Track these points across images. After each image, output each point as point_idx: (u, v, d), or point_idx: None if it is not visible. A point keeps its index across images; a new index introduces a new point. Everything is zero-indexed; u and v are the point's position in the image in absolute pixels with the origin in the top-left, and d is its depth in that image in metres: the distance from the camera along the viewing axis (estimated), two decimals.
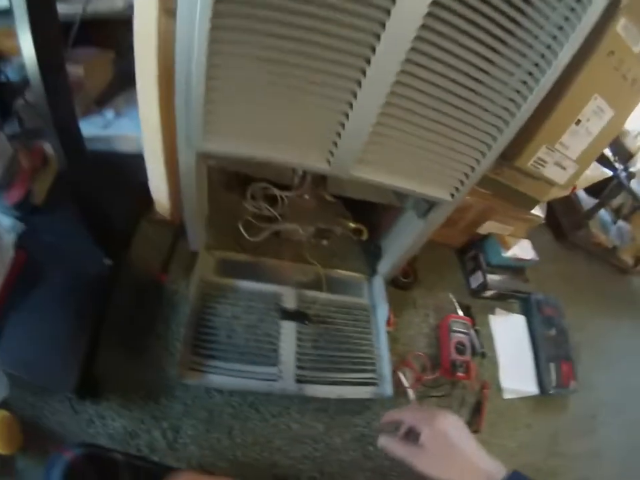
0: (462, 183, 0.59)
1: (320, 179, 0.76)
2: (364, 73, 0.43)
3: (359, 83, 0.44)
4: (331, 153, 0.51)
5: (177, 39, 0.41)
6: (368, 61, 0.42)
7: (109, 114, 0.83)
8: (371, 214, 0.94)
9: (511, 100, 0.48)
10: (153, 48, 0.50)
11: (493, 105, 0.49)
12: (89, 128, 0.79)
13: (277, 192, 0.74)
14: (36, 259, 0.65)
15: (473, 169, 0.57)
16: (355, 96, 0.45)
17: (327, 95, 0.45)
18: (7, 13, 0.59)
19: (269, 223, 0.83)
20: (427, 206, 0.69)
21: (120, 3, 0.70)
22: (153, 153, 0.66)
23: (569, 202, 1.31)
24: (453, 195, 0.61)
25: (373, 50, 0.41)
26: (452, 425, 0.49)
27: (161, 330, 0.70)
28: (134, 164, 0.72)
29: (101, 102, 0.85)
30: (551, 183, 0.89)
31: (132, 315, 0.70)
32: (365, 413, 0.73)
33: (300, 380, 0.69)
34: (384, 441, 0.53)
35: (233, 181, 0.83)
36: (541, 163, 0.81)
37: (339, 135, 0.49)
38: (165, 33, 0.49)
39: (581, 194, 1.34)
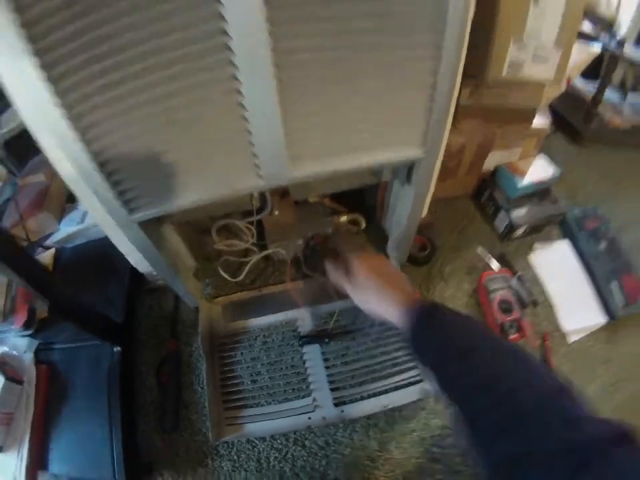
0: (426, 127, 0.48)
1: (283, 190, 0.69)
2: (240, 93, 0.39)
3: (242, 106, 0.39)
4: (257, 167, 0.44)
5: None
6: (239, 92, 0.38)
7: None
8: (363, 199, 0.86)
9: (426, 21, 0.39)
10: None
11: (407, 38, 0.39)
12: (67, 226, 0.82)
13: (239, 224, 0.69)
14: (57, 368, 0.69)
15: (430, 109, 0.46)
16: (246, 119, 0.40)
17: (217, 125, 0.41)
18: None
19: (249, 256, 0.78)
20: (406, 169, 0.61)
21: None
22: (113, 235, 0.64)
23: (571, 97, 1.16)
24: (424, 145, 0.51)
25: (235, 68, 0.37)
26: (375, 259, 0.55)
27: (188, 396, 0.69)
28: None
29: (72, 196, 0.87)
30: (539, 83, 0.75)
31: (158, 390, 0.70)
32: (419, 415, 0.65)
33: (339, 403, 0.64)
34: (329, 267, 0.59)
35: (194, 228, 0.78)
36: (517, 63, 0.68)
37: (253, 153, 0.43)
38: None
39: (580, 83, 1.19)
